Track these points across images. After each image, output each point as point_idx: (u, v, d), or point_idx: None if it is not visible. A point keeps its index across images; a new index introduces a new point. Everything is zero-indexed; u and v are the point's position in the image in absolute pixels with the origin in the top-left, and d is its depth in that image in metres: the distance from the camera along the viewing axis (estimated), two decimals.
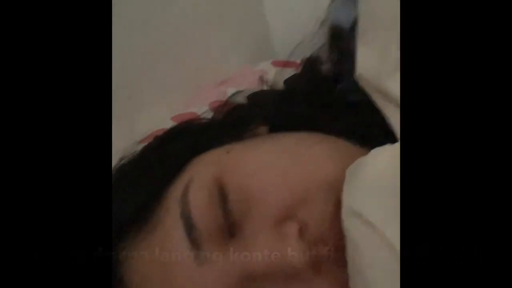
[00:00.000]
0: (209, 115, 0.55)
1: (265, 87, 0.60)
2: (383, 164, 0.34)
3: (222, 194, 0.39)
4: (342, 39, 0.50)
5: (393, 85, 0.35)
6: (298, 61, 0.59)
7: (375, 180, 0.34)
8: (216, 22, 0.72)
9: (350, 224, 0.34)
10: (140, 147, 0.51)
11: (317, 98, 0.51)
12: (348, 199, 0.34)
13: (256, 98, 0.55)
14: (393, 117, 0.38)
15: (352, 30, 0.49)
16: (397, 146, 0.35)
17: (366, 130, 0.43)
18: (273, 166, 0.40)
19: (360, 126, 0.45)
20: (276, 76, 0.60)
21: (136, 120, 0.60)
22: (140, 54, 0.62)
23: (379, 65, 0.36)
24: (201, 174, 0.40)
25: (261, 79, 0.61)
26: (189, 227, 0.38)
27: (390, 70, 0.35)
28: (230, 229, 0.38)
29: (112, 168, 0.48)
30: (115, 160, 0.50)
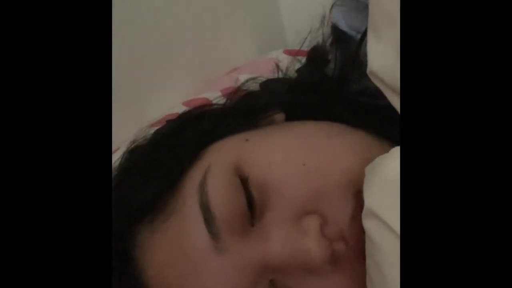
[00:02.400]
0: (222, 101, 0.55)
1: (279, 75, 0.60)
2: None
3: (242, 182, 0.38)
4: (343, 41, 0.50)
5: None
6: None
7: (395, 181, 0.33)
8: (229, 9, 0.71)
9: (369, 225, 0.34)
10: (151, 130, 0.50)
11: (329, 91, 0.51)
12: (368, 200, 0.34)
13: (270, 86, 0.55)
14: None
15: (356, 35, 0.49)
16: None
17: (386, 127, 0.42)
18: (293, 157, 0.39)
19: (379, 121, 0.44)
20: (289, 65, 0.59)
21: (147, 103, 0.60)
22: (152, 38, 0.62)
23: (394, 63, 0.35)
24: (219, 162, 0.40)
25: (277, 67, 0.61)
26: (208, 216, 0.37)
27: None
28: (250, 218, 0.38)
29: (123, 151, 0.48)
30: (124, 144, 0.50)
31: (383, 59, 0.37)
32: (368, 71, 0.38)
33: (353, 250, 0.36)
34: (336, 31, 0.53)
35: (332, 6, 0.55)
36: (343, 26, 0.51)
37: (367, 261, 0.35)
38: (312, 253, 0.35)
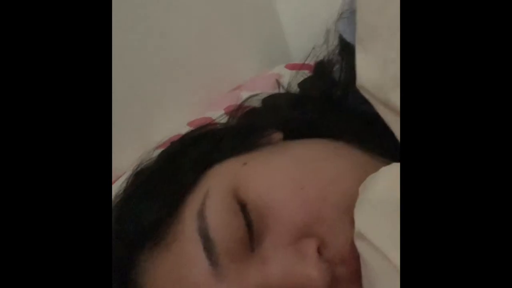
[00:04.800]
0: (224, 119, 0.56)
1: (281, 90, 0.60)
2: (389, 184, 0.33)
3: (241, 207, 0.38)
4: (348, 52, 0.50)
5: (396, 97, 0.35)
6: (313, 63, 0.59)
7: (382, 201, 0.33)
8: (231, 28, 0.72)
9: (360, 246, 0.34)
10: (157, 153, 0.51)
11: (330, 103, 0.51)
12: (357, 222, 0.34)
13: (271, 102, 0.55)
14: (398, 130, 0.36)
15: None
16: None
17: (382, 141, 0.42)
18: (290, 181, 0.39)
19: (375, 136, 0.44)
20: (291, 79, 0.60)
21: (153, 126, 0.61)
22: (156, 60, 0.62)
23: (380, 77, 0.35)
24: (217, 187, 0.40)
25: (277, 82, 0.61)
26: (207, 242, 0.37)
27: (393, 81, 0.35)
28: (250, 243, 0.38)
29: (128, 174, 0.49)
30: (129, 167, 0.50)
31: (370, 72, 0.37)
32: (357, 85, 0.38)
33: (354, 273, 0.36)
34: (342, 42, 0.53)
35: (339, 18, 0.55)
36: (348, 36, 0.52)
37: (363, 280, 0.35)
38: (312, 277, 0.35)
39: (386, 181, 0.34)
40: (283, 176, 0.40)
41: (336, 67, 0.53)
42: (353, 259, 0.36)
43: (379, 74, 0.36)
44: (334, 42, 0.55)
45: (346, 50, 0.52)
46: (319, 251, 0.37)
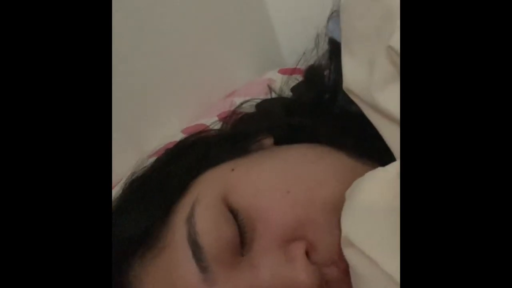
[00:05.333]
0: (218, 125, 0.56)
1: (273, 95, 0.60)
2: (375, 189, 0.34)
3: (230, 212, 0.39)
4: (337, 54, 0.50)
5: (383, 99, 0.35)
6: (304, 67, 0.60)
7: (367, 207, 0.34)
8: (224, 34, 0.72)
9: (348, 253, 0.34)
10: (150, 161, 0.52)
11: (320, 108, 0.52)
12: (344, 228, 0.34)
13: (263, 107, 0.56)
14: (385, 132, 0.37)
15: None
16: (388, 169, 0.34)
17: (370, 143, 0.42)
18: (277, 185, 0.40)
19: (364, 138, 0.44)
20: (283, 84, 0.60)
21: (147, 134, 0.61)
22: (149, 69, 0.63)
23: (367, 78, 0.36)
24: (206, 194, 0.40)
25: (269, 87, 0.61)
26: (196, 248, 0.38)
27: (379, 83, 0.35)
28: (240, 249, 0.38)
29: (122, 183, 0.49)
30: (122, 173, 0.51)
31: (356, 74, 0.37)
32: (344, 88, 0.39)
33: (343, 274, 0.36)
34: (333, 43, 0.53)
35: (329, 19, 0.56)
36: (338, 37, 0.52)
37: (353, 286, 0.35)
38: (300, 280, 0.36)
39: (372, 187, 0.34)
40: (270, 180, 0.40)
41: (327, 71, 0.53)
42: (342, 261, 0.36)
43: (365, 76, 0.36)
44: (324, 46, 0.56)
45: (336, 53, 0.52)
46: (308, 254, 0.37)
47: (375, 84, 0.35)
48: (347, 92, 0.39)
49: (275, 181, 0.40)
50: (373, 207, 0.33)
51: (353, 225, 0.34)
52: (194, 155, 0.46)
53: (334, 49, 0.53)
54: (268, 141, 0.47)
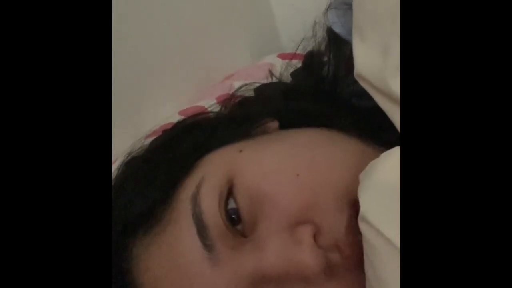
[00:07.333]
0: (216, 109, 0.55)
1: (273, 80, 0.60)
2: (390, 168, 0.33)
3: (231, 195, 0.39)
4: (338, 44, 0.50)
5: (397, 85, 0.34)
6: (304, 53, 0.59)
7: (383, 185, 0.33)
8: (222, 16, 0.72)
9: (364, 228, 0.34)
10: (148, 141, 0.51)
11: (322, 94, 0.51)
12: (363, 206, 0.34)
13: (264, 91, 0.55)
14: (399, 120, 0.36)
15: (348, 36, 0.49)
16: None
17: (377, 130, 0.42)
18: (287, 168, 0.39)
19: (370, 125, 0.44)
20: (283, 69, 0.60)
21: (144, 114, 0.60)
22: (147, 49, 0.62)
23: (381, 64, 0.35)
24: (213, 174, 0.40)
25: (270, 72, 0.61)
26: (201, 227, 0.37)
27: (394, 69, 0.34)
28: (242, 230, 0.38)
29: (120, 163, 0.48)
30: (121, 155, 0.50)
31: (369, 60, 0.36)
32: (355, 74, 0.38)
33: (349, 260, 0.36)
34: (331, 33, 0.53)
35: (327, 9, 0.55)
36: (338, 28, 0.51)
37: (366, 266, 0.34)
38: (307, 263, 0.35)
39: (389, 165, 0.34)
40: (279, 163, 0.40)
41: (325, 58, 0.53)
42: (349, 246, 0.36)
43: (378, 61, 0.35)
44: (323, 35, 0.55)
45: (334, 42, 0.51)
46: (315, 237, 0.37)
47: (389, 70, 0.34)
48: (357, 79, 0.38)
49: (284, 164, 0.40)
50: (387, 185, 0.32)
51: (369, 203, 0.33)
52: (198, 136, 0.46)
53: (332, 39, 0.52)
54: (273, 125, 0.47)
